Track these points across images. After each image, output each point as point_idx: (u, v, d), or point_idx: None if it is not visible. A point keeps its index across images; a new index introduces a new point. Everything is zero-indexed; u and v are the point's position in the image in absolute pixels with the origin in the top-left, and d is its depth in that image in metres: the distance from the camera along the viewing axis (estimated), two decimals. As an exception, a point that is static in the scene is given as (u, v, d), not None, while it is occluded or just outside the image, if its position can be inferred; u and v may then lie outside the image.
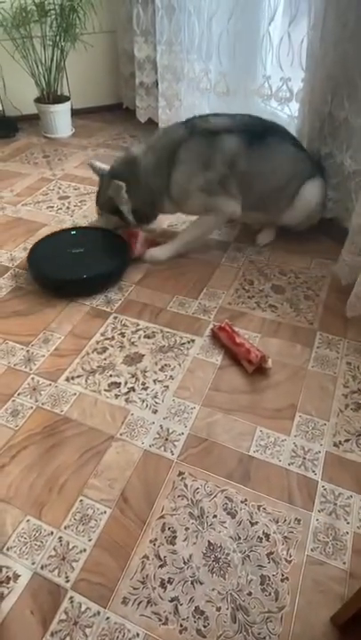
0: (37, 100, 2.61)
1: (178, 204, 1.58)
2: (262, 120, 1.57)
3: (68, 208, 1.97)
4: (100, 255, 1.57)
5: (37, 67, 2.47)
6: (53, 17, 2.37)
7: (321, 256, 1.66)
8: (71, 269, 1.49)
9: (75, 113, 2.78)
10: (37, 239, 1.65)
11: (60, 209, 1.97)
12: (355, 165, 1.46)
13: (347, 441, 1.05)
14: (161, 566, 0.84)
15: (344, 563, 0.85)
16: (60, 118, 2.66)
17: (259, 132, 1.51)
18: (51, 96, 2.59)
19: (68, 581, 0.82)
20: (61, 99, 2.63)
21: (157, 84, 2.51)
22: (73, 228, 1.70)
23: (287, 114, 1.82)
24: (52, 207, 1.98)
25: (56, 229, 1.81)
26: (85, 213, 1.92)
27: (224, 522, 0.91)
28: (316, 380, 1.20)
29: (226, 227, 1.84)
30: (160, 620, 0.78)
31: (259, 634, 0.76)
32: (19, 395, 1.16)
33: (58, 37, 2.41)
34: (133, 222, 1.60)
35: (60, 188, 2.13)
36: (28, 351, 1.28)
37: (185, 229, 1.68)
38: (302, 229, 1.72)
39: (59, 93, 2.63)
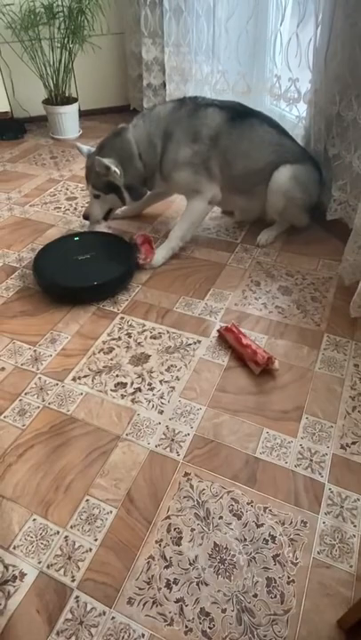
0: (45, 102, 2.63)
1: (167, 178, 1.61)
2: (247, 107, 1.63)
3: (75, 209, 1.98)
4: (108, 260, 1.56)
5: (45, 68, 2.49)
6: (62, 19, 2.39)
7: (328, 257, 1.65)
8: (81, 276, 1.48)
9: (82, 114, 2.80)
10: (45, 240, 1.65)
11: (68, 210, 1.98)
12: (363, 166, 1.45)
13: (354, 443, 1.04)
14: (167, 567, 0.84)
15: (351, 566, 0.84)
16: (68, 120, 2.67)
17: (241, 112, 1.59)
18: (59, 98, 2.61)
19: (73, 581, 0.83)
20: (69, 100, 2.65)
21: (165, 86, 2.51)
22: (76, 234, 1.69)
23: (295, 114, 1.81)
24: (60, 208, 1.99)
25: (63, 230, 1.83)
26: (93, 214, 1.93)
27: (230, 523, 0.91)
28: (323, 381, 1.19)
29: (233, 227, 1.83)
30: (165, 620, 0.78)
31: (264, 636, 0.76)
32: (26, 394, 1.17)
33: (66, 39, 2.42)
34: (130, 199, 1.62)
35: (67, 189, 2.14)
36: (35, 351, 1.29)
37: (175, 227, 1.68)
38: (295, 224, 1.75)
39: (66, 95, 2.64)
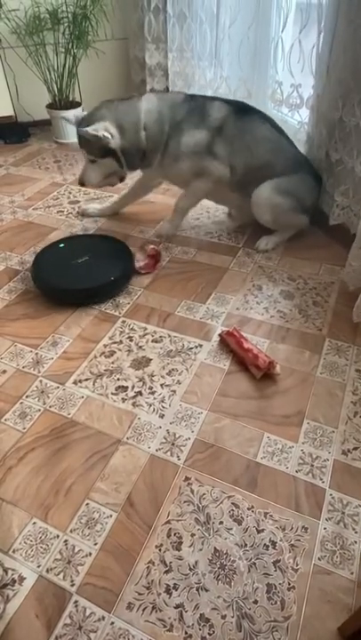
0: (49, 106, 2.65)
1: (166, 165, 1.61)
2: (251, 106, 1.65)
3: (78, 213, 1.99)
4: (106, 262, 1.57)
5: (50, 73, 2.51)
6: (66, 25, 2.40)
7: (330, 262, 1.65)
8: (80, 278, 1.49)
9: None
10: (48, 243, 1.66)
11: (71, 213, 1.99)
12: (365, 171, 1.45)
13: (356, 449, 1.04)
14: (166, 572, 0.84)
15: (352, 573, 0.84)
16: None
17: (245, 108, 1.61)
18: (62, 102, 2.63)
19: (73, 585, 0.82)
20: (73, 105, 2.66)
21: (168, 91, 2.53)
22: (61, 241, 1.68)
23: (297, 120, 1.82)
24: (63, 212, 2.00)
25: (66, 233, 1.84)
26: (96, 218, 1.94)
27: (230, 528, 0.90)
28: (324, 386, 1.19)
29: (235, 231, 1.84)
30: (165, 626, 0.78)
31: (264, 643, 0.75)
32: (27, 397, 1.17)
33: (70, 44, 2.44)
34: (126, 166, 1.58)
35: (70, 193, 2.15)
36: (36, 354, 1.29)
37: (178, 200, 1.74)
38: (295, 228, 1.76)
39: (70, 99, 2.66)
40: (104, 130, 1.47)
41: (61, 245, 1.65)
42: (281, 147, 1.63)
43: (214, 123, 1.55)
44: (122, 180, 1.69)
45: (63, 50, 2.46)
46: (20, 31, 2.41)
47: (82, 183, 1.66)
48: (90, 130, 1.46)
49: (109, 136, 1.48)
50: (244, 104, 1.65)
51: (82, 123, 1.53)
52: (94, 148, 1.54)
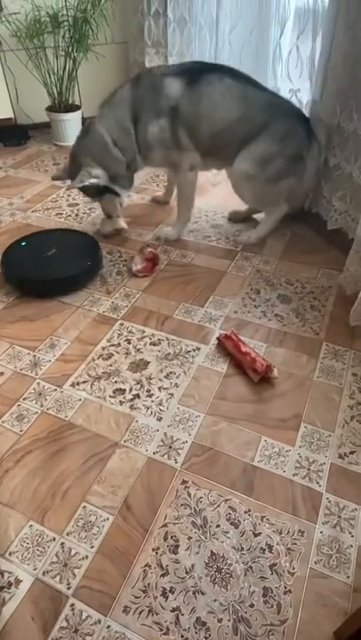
0: (49, 109, 2.66)
1: (145, 158, 1.62)
2: (207, 63, 1.61)
3: (77, 215, 2.00)
4: (73, 254, 1.63)
5: (50, 76, 2.52)
6: (66, 28, 2.41)
7: (328, 266, 1.66)
8: (51, 269, 1.55)
9: (85, 122, 2.81)
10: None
11: (70, 216, 1.99)
12: (363, 177, 1.46)
13: (352, 453, 1.04)
14: (163, 575, 0.84)
15: (348, 577, 0.84)
16: (71, 127, 2.69)
17: (199, 70, 1.53)
18: (62, 105, 2.63)
19: (69, 588, 0.82)
20: (72, 107, 2.67)
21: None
22: (23, 239, 1.70)
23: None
24: (62, 214, 2.00)
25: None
26: (94, 221, 1.94)
27: (227, 532, 0.90)
28: (321, 390, 1.19)
29: (234, 235, 1.84)
30: (161, 629, 0.77)
31: (260, 647, 0.76)
32: (24, 399, 1.17)
33: (70, 48, 2.45)
34: (123, 189, 1.65)
35: (69, 196, 2.15)
36: (34, 356, 1.29)
37: (178, 202, 1.79)
38: (272, 209, 1.75)
39: (70, 102, 2.67)
40: (88, 177, 1.54)
41: (23, 244, 1.67)
42: (247, 99, 1.54)
43: (170, 104, 1.50)
44: (121, 205, 1.77)
45: (63, 53, 2.47)
46: (21, 34, 2.42)
47: (109, 215, 1.78)
48: (77, 184, 1.55)
49: (95, 180, 1.55)
50: (200, 65, 1.59)
51: (70, 175, 1.60)
52: (91, 192, 1.64)
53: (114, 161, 1.57)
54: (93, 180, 1.55)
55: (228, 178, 1.75)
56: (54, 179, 1.74)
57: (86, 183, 1.54)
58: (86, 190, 1.63)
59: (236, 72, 1.57)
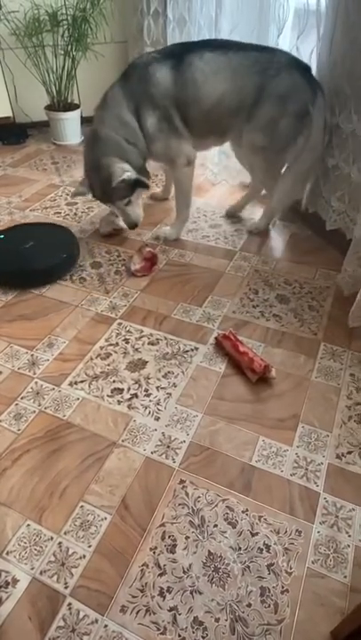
0: (48, 108, 2.65)
1: (149, 151, 1.59)
2: (186, 43, 1.56)
3: (75, 214, 1.99)
4: (50, 246, 1.65)
5: (48, 75, 2.51)
6: (65, 27, 2.41)
7: (326, 267, 1.66)
8: (30, 260, 1.58)
9: (84, 121, 2.81)
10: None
11: (68, 215, 1.99)
12: (361, 178, 1.47)
13: (350, 453, 1.05)
14: (160, 575, 0.84)
15: (345, 576, 0.84)
16: (70, 126, 2.69)
17: (180, 53, 1.48)
18: (61, 104, 2.63)
19: (66, 587, 0.82)
20: (71, 106, 2.67)
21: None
22: (1, 232, 1.73)
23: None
24: (60, 213, 2.00)
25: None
26: (93, 220, 1.94)
27: (225, 531, 0.90)
28: (319, 390, 1.19)
29: (232, 235, 1.84)
30: (158, 629, 0.77)
31: (258, 646, 0.76)
32: (22, 398, 1.16)
33: (69, 47, 2.45)
34: (149, 184, 1.60)
35: (67, 195, 2.15)
36: (32, 355, 1.29)
37: (176, 201, 1.77)
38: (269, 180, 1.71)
39: (69, 101, 2.66)
40: (122, 171, 1.49)
41: (1, 237, 1.69)
42: (232, 66, 1.48)
43: (160, 92, 1.47)
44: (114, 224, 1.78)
45: (62, 52, 2.46)
46: (20, 33, 2.41)
47: (135, 225, 1.67)
48: (117, 179, 1.48)
49: (129, 173, 1.50)
50: (179, 46, 1.55)
51: (96, 184, 1.55)
52: (123, 192, 1.55)
53: (133, 154, 1.54)
54: (129, 174, 1.50)
55: (232, 150, 1.75)
56: (76, 195, 1.67)
57: (125, 177, 1.49)
58: (119, 191, 1.54)
59: (216, 42, 1.55)
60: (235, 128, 1.59)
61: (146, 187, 1.60)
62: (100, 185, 1.54)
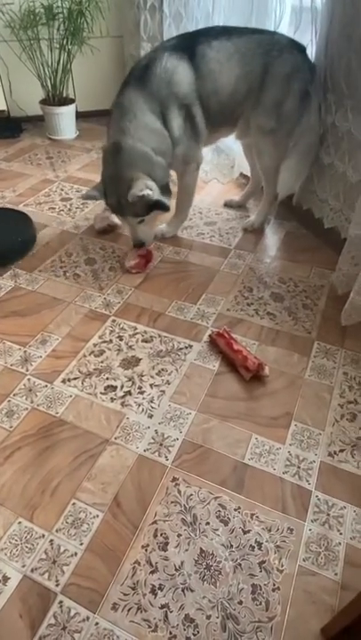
0: (43, 102, 2.63)
1: (172, 155, 1.51)
2: (191, 33, 1.53)
3: (69, 210, 1.98)
4: (5, 231, 1.68)
5: (44, 69, 2.49)
6: (61, 20, 2.39)
7: (321, 266, 1.66)
8: None
9: (79, 116, 2.79)
10: (38, 240, 1.66)
11: (62, 210, 1.97)
12: (357, 176, 1.47)
13: (342, 451, 1.05)
14: (152, 572, 0.84)
15: (336, 574, 0.85)
16: (65, 120, 2.67)
17: (188, 46, 1.44)
18: (56, 98, 2.61)
19: (58, 585, 0.82)
20: (67, 101, 2.65)
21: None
22: None
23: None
24: (54, 208, 1.99)
25: (57, 231, 1.83)
26: (87, 216, 1.93)
27: (217, 529, 0.90)
28: (312, 389, 1.20)
29: (227, 233, 1.84)
30: (150, 626, 0.78)
31: (248, 643, 0.76)
32: (14, 395, 1.16)
33: (65, 40, 2.42)
34: (166, 199, 1.48)
35: (62, 190, 2.14)
36: (25, 352, 1.28)
37: (178, 201, 1.73)
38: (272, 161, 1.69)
39: (64, 96, 2.64)
40: (145, 187, 1.37)
41: None
42: (240, 51, 1.45)
43: (185, 91, 1.42)
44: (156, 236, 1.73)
45: (58, 46, 2.44)
46: (15, 25, 2.39)
47: (142, 245, 1.58)
48: (137, 193, 1.35)
49: (150, 192, 1.38)
50: (185, 39, 1.48)
51: (115, 192, 1.41)
52: (140, 209, 1.44)
53: (161, 170, 1.44)
54: (150, 192, 1.37)
55: (236, 138, 1.75)
56: (87, 198, 1.56)
57: (145, 194, 1.36)
58: (134, 207, 1.42)
59: (215, 29, 1.52)
60: (244, 115, 1.57)
61: (165, 209, 1.49)
62: (116, 195, 1.42)
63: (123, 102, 1.43)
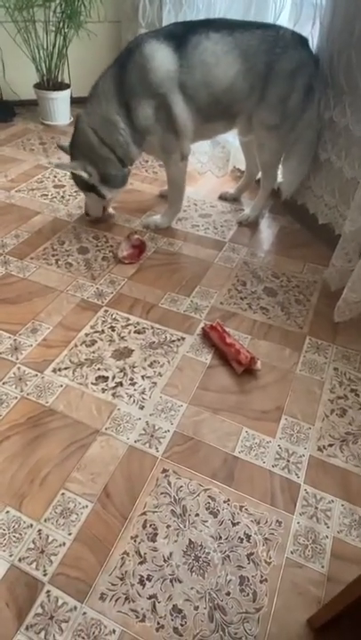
0: (37, 86, 2.57)
1: (140, 145, 1.54)
2: (186, 23, 1.49)
3: (62, 197, 1.95)
4: None
5: (39, 52, 2.43)
6: (58, 2, 2.33)
7: (314, 261, 1.66)
8: None
9: (74, 101, 2.74)
10: (30, 227, 1.63)
11: (55, 197, 1.94)
12: (353, 172, 1.47)
13: (331, 445, 1.06)
14: (141, 563, 0.84)
15: (323, 566, 0.86)
16: (59, 105, 2.62)
17: (182, 34, 1.40)
18: (51, 83, 2.55)
19: (45, 575, 0.81)
20: (61, 86, 2.59)
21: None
22: None
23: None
24: (47, 195, 1.95)
25: (49, 218, 1.80)
26: (80, 204, 1.90)
27: (206, 521, 0.91)
28: (303, 383, 1.20)
29: (222, 225, 1.83)
30: (137, 616, 0.78)
31: (235, 634, 0.77)
32: (3, 384, 1.14)
33: (61, 23, 2.37)
34: (109, 195, 1.63)
35: (55, 177, 2.10)
36: (15, 340, 1.26)
37: (169, 194, 1.77)
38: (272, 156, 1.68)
39: (59, 80, 2.59)
40: (81, 169, 1.52)
41: None
42: (241, 46, 1.42)
43: (159, 77, 1.38)
44: (104, 210, 1.76)
45: (54, 29, 2.38)
46: (9, 5, 2.32)
47: (87, 213, 1.77)
48: (67, 169, 1.56)
49: (86, 175, 1.53)
50: (180, 27, 1.45)
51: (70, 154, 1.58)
52: (80, 183, 1.61)
53: (104, 161, 1.52)
54: (84, 174, 1.53)
55: (238, 134, 1.73)
56: (59, 146, 1.68)
57: (76, 172, 1.53)
58: (75, 179, 1.61)
59: (219, 21, 1.50)
60: (245, 111, 1.55)
61: (101, 197, 1.63)
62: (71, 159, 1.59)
63: (97, 84, 1.48)
